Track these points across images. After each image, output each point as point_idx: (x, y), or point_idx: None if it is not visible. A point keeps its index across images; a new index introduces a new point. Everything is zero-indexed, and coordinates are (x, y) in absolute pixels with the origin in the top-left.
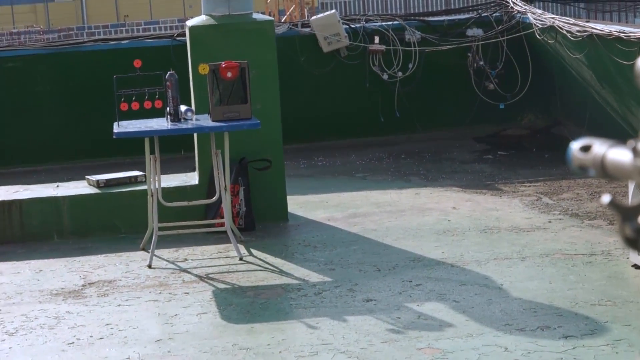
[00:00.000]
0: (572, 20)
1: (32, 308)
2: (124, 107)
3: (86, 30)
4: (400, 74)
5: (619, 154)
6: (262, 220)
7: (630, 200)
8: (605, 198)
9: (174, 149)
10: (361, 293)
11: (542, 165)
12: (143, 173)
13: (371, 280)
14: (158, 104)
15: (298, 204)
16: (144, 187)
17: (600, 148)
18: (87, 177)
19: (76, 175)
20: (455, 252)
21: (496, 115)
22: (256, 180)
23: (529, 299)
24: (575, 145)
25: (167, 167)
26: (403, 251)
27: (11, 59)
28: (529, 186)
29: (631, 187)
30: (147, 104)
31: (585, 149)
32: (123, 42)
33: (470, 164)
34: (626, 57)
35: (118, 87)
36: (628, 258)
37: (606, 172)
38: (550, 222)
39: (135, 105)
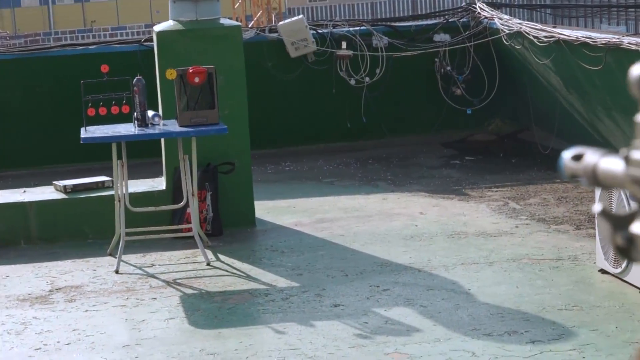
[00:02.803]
0: (539, 26)
1: None
2: (91, 112)
3: (53, 36)
4: (367, 79)
5: (611, 163)
6: (229, 226)
7: (614, 209)
8: (597, 207)
9: (141, 155)
10: (329, 298)
11: (509, 171)
12: (110, 178)
13: (339, 285)
14: (125, 109)
15: (266, 209)
16: (111, 192)
17: (592, 157)
18: (54, 182)
19: (44, 180)
20: (423, 257)
21: (463, 120)
22: (223, 185)
23: (497, 304)
24: (567, 155)
25: (135, 172)
26: (371, 256)
27: None
28: (496, 191)
29: (597, 193)
30: (115, 109)
31: (577, 158)
32: (90, 47)
33: (437, 169)
34: (593, 62)
35: (85, 93)
36: (595, 263)
37: (598, 181)
38: (517, 227)
39: (102, 111)
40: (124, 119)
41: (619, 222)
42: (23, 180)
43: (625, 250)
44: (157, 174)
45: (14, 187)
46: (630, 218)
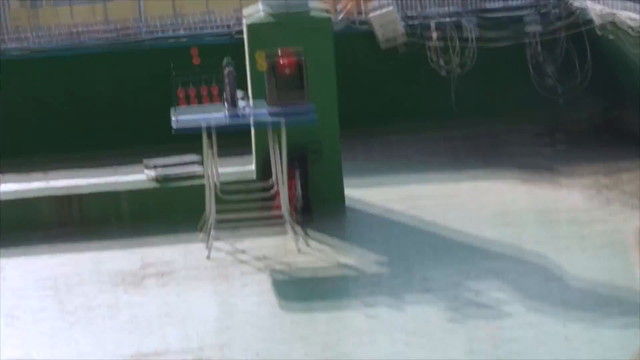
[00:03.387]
0: (633, 15)
1: (92, 293)
2: (181, 93)
3: (144, 30)
4: (458, 69)
5: None
6: (319, 208)
7: None
8: None
9: (230, 136)
10: (419, 280)
11: (603, 154)
12: (199, 158)
13: (430, 267)
14: (215, 90)
15: (356, 193)
16: (202, 181)
17: None
18: (144, 161)
19: (135, 159)
20: (515, 240)
21: (556, 109)
22: (313, 167)
23: (589, 286)
24: None
25: (224, 150)
26: (461, 237)
27: (72, 56)
28: (589, 177)
29: None
30: (204, 91)
31: None
32: (182, 40)
33: (529, 152)
34: None
35: (176, 74)
36: None
37: None
38: (610, 211)
39: (192, 92)
40: (214, 99)
41: None
42: (114, 160)
43: None
44: (246, 153)
45: (106, 166)
46: None
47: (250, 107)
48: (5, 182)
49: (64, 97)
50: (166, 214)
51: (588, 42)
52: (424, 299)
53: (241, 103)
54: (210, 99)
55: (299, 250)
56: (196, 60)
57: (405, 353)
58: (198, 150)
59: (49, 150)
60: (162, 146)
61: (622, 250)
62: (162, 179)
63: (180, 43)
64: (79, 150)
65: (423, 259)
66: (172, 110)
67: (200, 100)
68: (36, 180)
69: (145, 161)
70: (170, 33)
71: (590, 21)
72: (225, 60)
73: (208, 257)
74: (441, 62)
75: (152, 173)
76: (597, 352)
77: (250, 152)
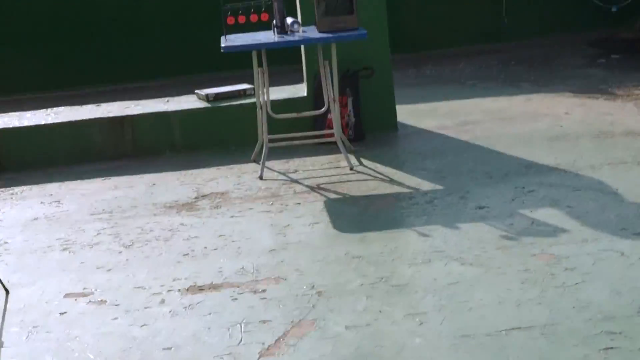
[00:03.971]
0: None
1: (147, 221)
2: (230, 20)
3: None
4: None
5: None
6: (371, 131)
7: None
8: None
9: (281, 62)
10: (473, 201)
11: None
12: (251, 86)
13: (483, 187)
14: (264, 17)
15: (407, 113)
16: (253, 100)
17: None
18: (196, 91)
19: (186, 90)
20: (569, 158)
21: (609, 18)
22: (365, 90)
23: None
24: None
25: (275, 80)
26: (515, 158)
27: None
28: None
29: None
30: (254, 17)
31: None
32: None
33: (582, 69)
34: None
35: (224, 1)
36: None
37: None
38: None
39: (241, 19)
40: (264, 26)
41: None
42: (166, 90)
43: None
44: (297, 80)
45: (159, 96)
46: None
47: (299, 23)
48: (59, 112)
49: (111, 25)
50: (218, 133)
51: None
52: (478, 214)
53: (289, 19)
54: (260, 26)
55: (351, 169)
56: None
57: (459, 271)
58: (251, 79)
59: (98, 81)
60: (214, 74)
61: None
62: (212, 98)
63: None
64: (129, 80)
65: (475, 171)
66: (222, 39)
67: (250, 28)
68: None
69: (197, 91)
70: None
71: None
72: None
73: (261, 177)
74: None
75: (202, 92)
76: None
77: (302, 81)
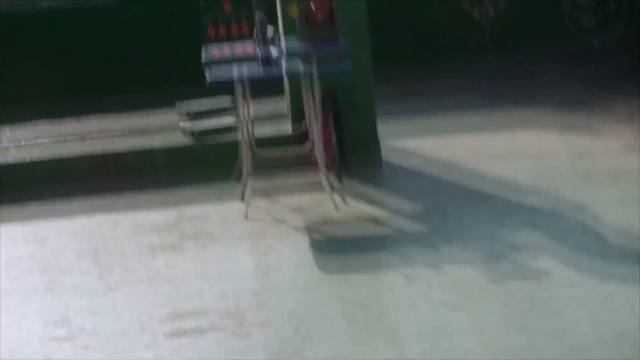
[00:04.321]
0: None
1: (131, 261)
2: (211, 31)
3: None
4: (492, 11)
5: None
6: (353, 155)
7: None
8: None
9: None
10: (459, 241)
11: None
12: (232, 105)
13: (470, 227)
14: (245, 28)
15: (393, 149)
16: (236, 136)
17: None
18: (177, 104)
19: (168, 101)
20: (550, 190)
21: (592, 53)
22: (349, 125)
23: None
24: None
25: (255, 92)
26: (500, 195)
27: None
28: (628, 126)
29: None
30: (235, 29)
31: None
32: None
33: (567, 104)
34: None
35: (205, 12)
36: None
37: None
38: None
39: (222, 30)
40: (245, 38)
41: None
42: (146, 102)
43: None
44: (276, 101)
45: (137, 109)
46: None
47: (279, 35)
48: (40, 133)
49: (92, 36)
50: (202, 168)
51: None
52: (462, 256)
53: (270, 30)
54: (241, 36)
55: (336, 207)
56: (227, 8)
57: (444, 314)
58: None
59: (79, 95)
60: (194, 84)
61: None
62: (197, 134)
63: None
64: (111, 93)
65: (460, 212)
66: (202, 48)
67: (230, 38)
68: (70, 132)
69: (177, 106)
70: None
71: None
72: (256, 15)
73: (246, 217)
74: (474, 2)
75: (186, 125)
76: (637, 311)
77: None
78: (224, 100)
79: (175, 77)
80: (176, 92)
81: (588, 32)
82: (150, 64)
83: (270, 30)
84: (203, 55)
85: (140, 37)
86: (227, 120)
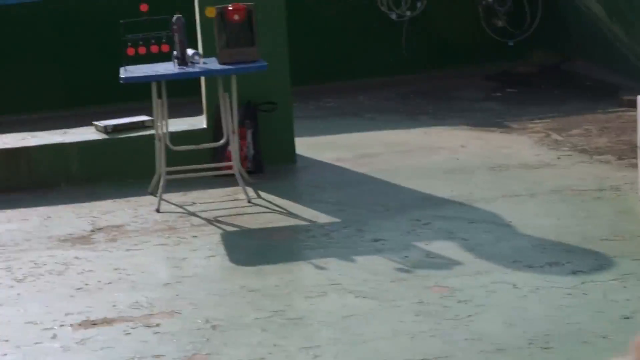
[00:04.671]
0: None
1: (40, 254)
2: (130, 51)
3: None
4: (408, 13)
5: None
6: (270, 163)
7: None
8: None
9: (181, 94)
10: (370, 233)
11: (552, 102)
12: (150, 118)
13: (380, 220)
14: (165, 48)
15: (307, 146)
16: (152, 132)
17: None
18: (94, 122)
19: (84, 121)
20: (464, 190)
21: (505, 52)
22: (264, 122)
23: (538, 236)
24: None
25: (175, 111)
26: (412, 190)
27: (13, 6)
28: (538, 123)
29: None
30: (154, 49)
31: None
32: None
33: (479, 102)
34: None
35: (125, 32)
36: (637, 193)
37: None
38: (559, 158)
39: (142, 50)
40: (164, 58)
41: None
42: (64, 122)
43: None
44: (197, 112)
45: (55, 128)
46: None
47: (200, 55)
48: None
49: (6, 54)
50: (116, 166)
51: None
52: (373, 247)
53: (190, 51)
54: (161, 57)
55: (249, 201)
56: (144, 8)
57: (354, 304)
58: (151, 111)
59: None
60: (113, 106)
61: (570, 195)
62: (111, 130)
63: None
64: (27, 111)
65: (372, 204)
66: (121, 70)
67: (150, 59)
68: None
69: (95, 123)
70: None
71: None
72: (174, 17)
73: (158, 210)
74: (391, 5)
75: (101, 126)
76: (545, 299)
77: (202, 113)
78: (142, 118)
79: (94, 98)
80: (95, 112)
81: (502, 33)
82: (69, 84)
83: (190, 51)
84: (122, 75)
85: (58, 55)
86: (142, 117)
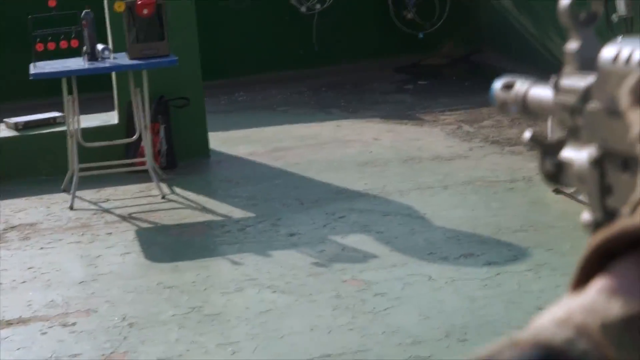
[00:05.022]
0: None
1: None
2: (39, 47)
3: None
4: (318, 6)
5: (541, 91)
6: (184, 158)
7: (549, 136)
8: (527, 134)
9: (93, 89)
10: (285, 227)
11: (463, 94)
12: (62, 114)
13: (295, 214)
14: (74, 43)
15: (220, 140)
16: (64, 128)
17: (522, 86)
18: (4, 120)
19: None
20: (378, 183)
21: (416, 45)
22: (177, 117)
23: (452, 228)
24: (497, 84)
25: (86, 107)
26: (326, 184)
27: None
28: (450, 115)
29: (550, 123)
30: (64, 44)
31: (507, 87)
32: None
33: (390, 95)
34: None
35: (33, 28)
36: None
37: (528, 110)
38: (471, 150)
39: (51, 46)
40: (74, 53)
41: (548, 149)
42: None
43: (554, 175)
44: (109, 108)
45: None
46: (559, 144)
47: (110, 50)
48: None
49: None
50: (28, 163)
51: None
52: (289, 241)
53: (100, 46)
54: (71, 53)
55: (163, 197)
56: (52, 3)
57: (271, 299)
58: (61, 107)
59: None
60: (23, 102)
61: (482, 186)
62: (22, 127)
63: None
64: None
65: (287, 198)
66: (31, 66)
67: (60, 55)
68: None
69: (5, 120)
70: None
71: None
72: (83, 12)
73: (71, 207)
74: None
75: (12, 123)
76: (460, 291)
77: (114, 108)
78: (53, 114)
79: (2, 95)
80: (4, 109)
81: (412, 25)
82: None
83: (100, 46)
84: (31, 71)
85: None
86: (53, 114)
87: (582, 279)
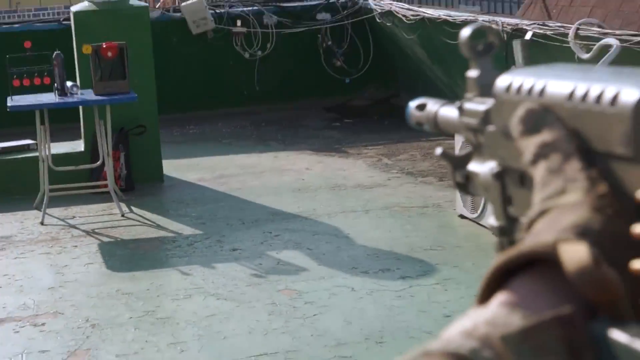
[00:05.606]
0: (406, 6)
1: None
2: (16, 83)
3: None
4: (259, 52)
5: (448, 112)
6: (140, 182)
7: (457, 151)
8: (438, 150)
9: (62, 120)
10: (228, 244)
11: (383, 131)
12: (34, 141)
13: (237, 232)
14: (47, 80)
15: (172, 167)
16: (36, 154)
17: (433, 106)
18: None
19: None
20: (309, 207)
21: (343, 88)
22: (135, 146)
23: (372, 246)
24: (412, 104)
25: (56, 136)
26: (264, 207)
27: None
28: (372, 149)
29: (458, 140)
30: (37, 81)
31: (421, 107)
32: (15, 25)
33: (321, 130)
34: (452, 37)
35: (10, 66)
36: (455, 209)
37: (438, 127)
38: (389, 179)
39: (26, 82)
40: (46, 89)
41: (458, 162)
42: None
43: (463, 185)
44: (76, 137)
45: None
46: (466, 158)
47: (78, 87)
48: None
49: None
50: (3, 184)
51: (370, 30)
52: (231, 255)
53: (69, 83)
54: (43, 88)
55: (122, 215)
56: (27, 44)
57: (216, 305)
58: (34, 136)
59: None
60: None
61: (398, 211)
62: None
63: (13, 28)
64: None
65: (230, 218)
66: (8, 100)
67: (34, 90)
68: None
69: None
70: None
71: (371, 10)
72: (55, 53)
73: (42, 223)
74: (245, 46)
75: None
76: (378, 300)
77: (80, 137)
78: (26, 142)
79: None
80: None
81: (340, 71)
82: None
83: (69, 83)
84: (9, 104)
85: None
86: (27, 141)
87: (486, 294)
